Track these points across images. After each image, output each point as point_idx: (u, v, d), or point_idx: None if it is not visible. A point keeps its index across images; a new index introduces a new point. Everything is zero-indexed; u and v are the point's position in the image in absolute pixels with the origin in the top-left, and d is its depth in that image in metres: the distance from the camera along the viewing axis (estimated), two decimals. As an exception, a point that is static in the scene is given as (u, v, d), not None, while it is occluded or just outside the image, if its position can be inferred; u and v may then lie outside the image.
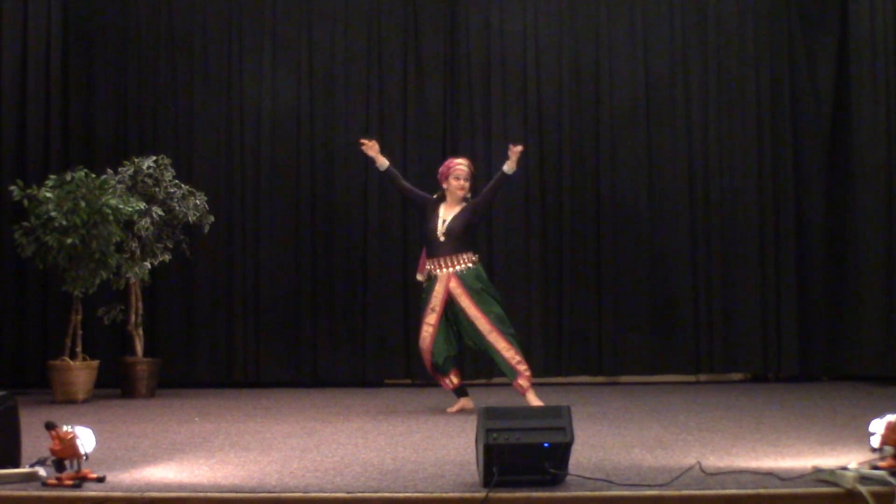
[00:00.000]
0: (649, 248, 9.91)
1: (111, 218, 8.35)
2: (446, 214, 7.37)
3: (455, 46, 10.01)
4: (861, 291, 9.64)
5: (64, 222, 8.22)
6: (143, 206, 8.72)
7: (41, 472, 4.49)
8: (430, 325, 7.32)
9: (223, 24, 10.00)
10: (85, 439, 4.50)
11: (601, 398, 8.42)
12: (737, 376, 9.98)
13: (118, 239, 8.57)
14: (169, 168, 9.12)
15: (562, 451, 4.35)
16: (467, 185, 7.43)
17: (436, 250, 7.32)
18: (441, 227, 7.31)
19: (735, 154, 10.00)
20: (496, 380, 9.76)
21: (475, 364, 9.77)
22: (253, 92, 9.95)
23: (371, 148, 7.55)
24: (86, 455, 4.50)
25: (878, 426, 4.59)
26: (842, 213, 9.87)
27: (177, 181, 9.14)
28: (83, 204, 8.28)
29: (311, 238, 9.87)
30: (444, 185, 7.47)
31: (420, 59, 10.01)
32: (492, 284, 7.55)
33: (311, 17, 10.02)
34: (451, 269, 7.28)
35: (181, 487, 4.50)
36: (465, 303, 7.26)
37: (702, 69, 10.07)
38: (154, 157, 9.10)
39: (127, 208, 8.48)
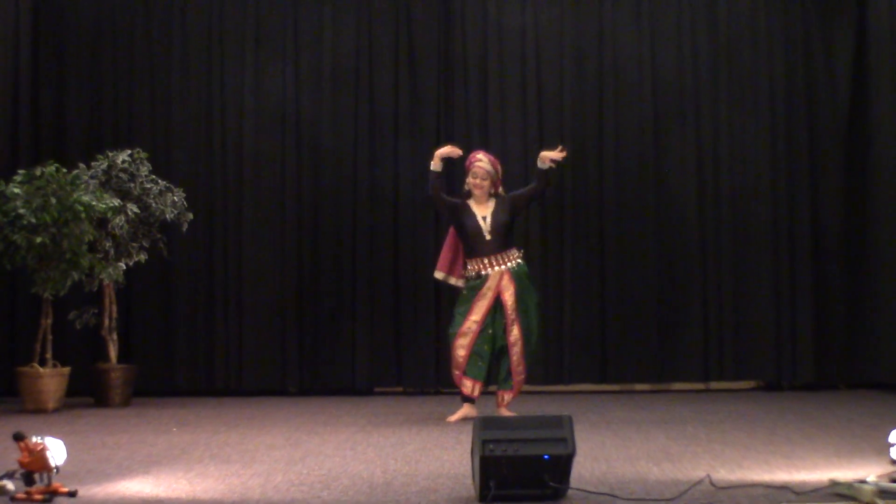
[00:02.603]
0: (656, 249, 9.91)
1: (83, 215, 8.34)
2: (483, 211, 7.54)
3: (449, 36, 10.00)
4: (880, 295, 9.65)
5: (33, 220, 8.21)
6: (117, 202, 8.71)
7: (9, 485, 4.49)
8: (477, 321, 7.44)
9: (203, 10, 9.98)
10: (56, 451, 4.50)
11: (605, 407, 8.43)
12: (749, 384, 9.98)
13: (91, 238, 8.56)
14: (145, 162, 9.11)
15: (563, 464, 4.36)
16: (485, 183, 7.55)
17: (483, 249, 7.48)
18: (485, 225, 7.48)
19: (747, 151, 10.01)
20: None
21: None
22: (235, 82, 9.94)
23: (453, 152, 7.58)
24: (56, 468, 4.50)
25: (898, 437, 4.61)
26: (860, 213, 9.88)
27: (153, 176, 9.12)
28: (53, 200, 8.27)
29: (296, 238, 9.85)
30: (466, 179, 7.66)
31: (412, 50, 10.00)
32: (534, 285, 7.81)
33: (298, 4, 10.02)
34: (503, 267, 7.47)
35: (158, 502, 4.50)
36: (511, 303, 7.43)
37: (712, 60, 10.06)
38: (129, 151, 9.08)
39: (100, 205, 8.47)
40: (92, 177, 8.83)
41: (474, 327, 7.43)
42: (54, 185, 8.35)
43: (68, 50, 9.88)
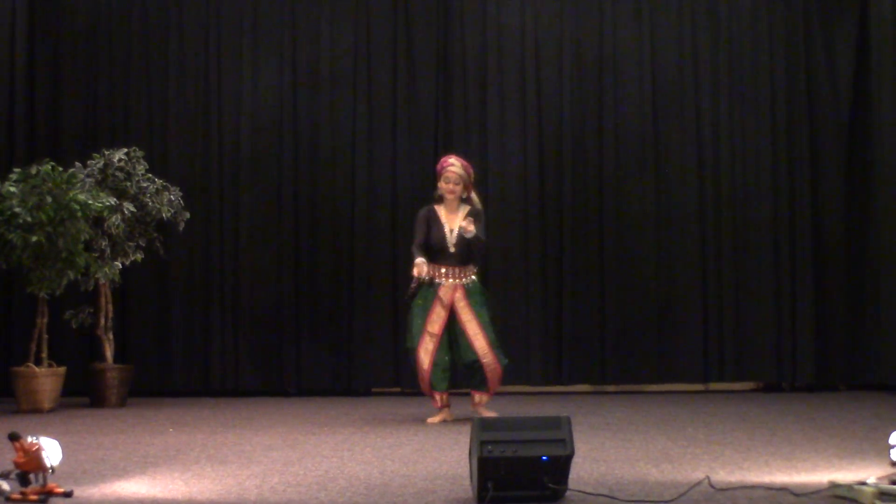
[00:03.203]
0: (656, 249, 9.92)
1: (79, 214, 8.34)
2: (451, 222, 7.54)
3: (448, 35, 10.02)
4: (881, 296, 9.65)
5: (29, 219, 8.21)
6: (113, 201, 8.72)
7: (4, 486, 4.48)
8: (435, 334, 7.45)
9: (200, 8, 10.00)
10: (51, 451, 4.50)
11: (604, 408, 8.43)
12: (749, 385, 9.99)
13: (87, 237, 8.56)
14: (141, 161, 9.12)
15: (561, 465, 4.36)
16: (457, 188, 7.55)
17: (444, 259, 7.50)
18: (451, 238, 7.49)
19: (747, 149, 10.02)
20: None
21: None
22: (232, 81, 9.95)
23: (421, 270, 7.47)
24: (52, 468, 4.50)
25: (898, 438, 4.61)
26: (861, 212, 9.88)
27: (150, 175, 9.13)
28: (49, 199, 8.27)
29: (293, 237, 9.86)
30: (438, 185, 7.61)
31: (411, 51, 10.01)
32: (488, 296, 7.80)
33: (295, 3, 10.02)
34: (458, 281, 7.49)
35: (154, 503, 4.50)
36: (467, 316, 7.44)
37: (712, 58, 10.08)
38: (125, 150, 9.09)
39: (96, 204, 8.48)
40: (88, 175, 8.83)
41: (434, 340, 7.45)
42: (50, 184, 8.35)
43: (64, 48, 9.89)
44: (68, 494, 4.47)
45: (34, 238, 8.21)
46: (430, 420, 7.57)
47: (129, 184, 8.97)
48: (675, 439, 6.44)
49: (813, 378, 9.80)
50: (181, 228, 9.27)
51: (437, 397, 7.60)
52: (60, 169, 8.51)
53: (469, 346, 7.43)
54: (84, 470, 5.28)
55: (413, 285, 7.50)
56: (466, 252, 7.51)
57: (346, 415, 8.08)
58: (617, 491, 4.60)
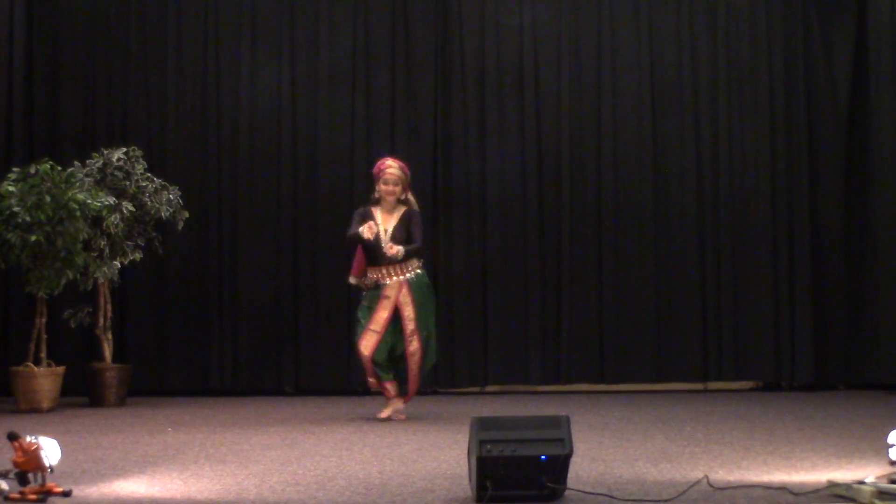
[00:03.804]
0: (654, 248, 9.93)
1: (78, 214, 8.34)
2: (386, 223, 7.58)
3: (447, 35, 10.02)
4: (880, 294, 9.66)
5: (28, 218, 8.21)
6: (112, 201, 8.71)
7: (3, 485, 4.48)
8: (376, 332, 7.50)
9: (198, 8, 9.99)
10: (50, 451, 4.50)
11: (602, 407, 8.43)
12: (747, 384, 10.00)
13: (85, 236, 8.56)
14: (140, 160, 9.11)
15: (560, 464, 4.36)
16: (397, 189, 7.59)
17: (382, 259, 7.51)
18: (385, 237, 7.51)
19: (746, 148, 10.02)
20: (490, 388, 9.79)
21: (469, 373, 9.79)
22: (231, 81, 9.95)
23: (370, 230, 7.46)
24: (51, 468, 4.50)
25: (897, 437, 4.61)
26: (860, 211, 9.89)
27: (148, 175, 9.13)
28: (48, 199, 8.26)
29: (292, 237, 9.86)
30: (376, 187, 7.66)
31: (410, 49, 10.01)
32: (434, 293, 7.86)
33: (294, 3, 10.02)
34: (401, 278, 7.52)
35: (153, 502, 4.50)
36: (409, 314, 7.51)
37: (711, 57, 10.08)
38: (124, 149, 9.09)
39: (95, 203, 8.47)
40: (87, 175, 8.83)
41: (374, 337, 7.50)
42: (49, 184, 8.34)
43: (63, 47, 9.89)
44: (67, 494, 4.46)
45: (33, 237, 8.21)
46: (379, 415, 7.60)
47: (127, 183, 8.97)
48: (673, 439, 6.44)
49: (812, 377, 9.81)
50: (180, 228, 9.27)
51: (388, 386, 7.60)
52: (59, 168, 8.50)
53: (405, 349, 7.50)
54: (83, 469, 5.28)
55: (364, 293, 7.60)
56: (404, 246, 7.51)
57: (345, 414, 8.08)
58: (616, 490, 4.60)
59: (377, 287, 7.54)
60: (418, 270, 7.58)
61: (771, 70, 10.05)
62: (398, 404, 7.65)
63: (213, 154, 9.91)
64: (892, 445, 4.61)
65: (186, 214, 9.24)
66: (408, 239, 7.53)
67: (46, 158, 8.61)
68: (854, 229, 9.92)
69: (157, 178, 9.18)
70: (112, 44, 9.94)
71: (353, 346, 7.81)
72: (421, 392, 9.60)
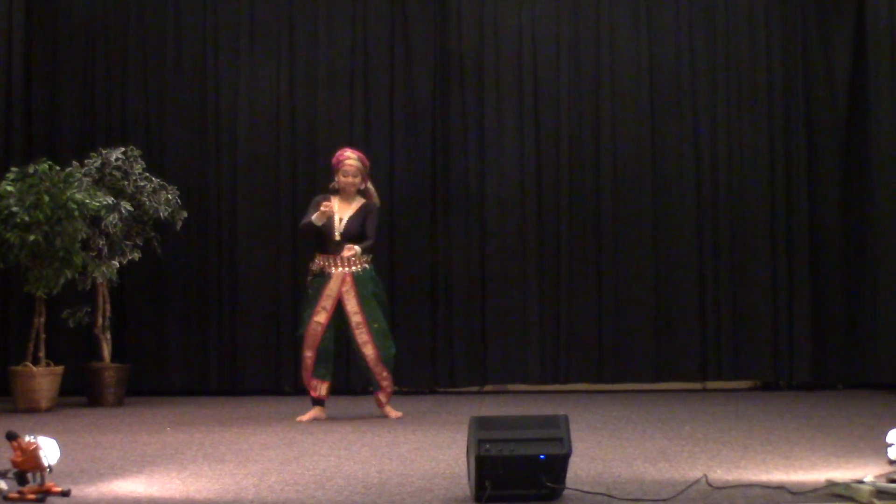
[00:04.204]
0: (653, 247, 9.93)
1: (77, 213, 8.34)
2: (342, 212, 7.62)
3: (446, 34, 10.01)
4: (879, 294, 9.66)
5: (26, 218, 8.20)
6: (110, 200, 8.71)
7: (2, 485, 4.48)
8: (321, 323, 7.52)
9: (197, 8, 9.99)
10: (49, 450, 4.50)
11: (601, 407, 8.43)
12: (746, 384, 9.99)
13: (84, 236, 8.56)
14: (139, 160, 9.11)
15: (559, 464, 4.36)
16: (357, 180, 7.66)
17: (331, 248, 7.56)
18: (339, 226, 7.55)
19: (744, 147, 10.02)
20: (489, 387, 9.79)
21: (468, 372, 9.79)
22: (229, 80, 9.94)
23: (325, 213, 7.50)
24: (49, 467, 4.50)
25: (895, 436, 4.61)
26: (858, 211, 9.89)
27: (147, 174, 9.13)
28: (47, 198, 8.26)
29: (291, 236, 9.84)
30: (335, 178, 7.71)
31: (408, 48, 10.01)
32: (383, 288, 7.88)
33: (292, 3, 10.01)
34: (346, 269, 7.53)
35: (151, 502, 4.50)
36: (353, 307, 7.51)
37: (709, 57, 10.08)
38: (123, 149, 9.09)
39: (93, 203, 8.47)
40: (85, 174, 8.82)
41: (318, 329, 7.52)
42: (47, 183, 8.34)
43: (61, 47, 9.88)
44: (66, 493, 4.46)
45: (31, 237, 8.21)
46: (300, 418, 7.57)
47: (126, 183, 8.97)
48: (672, 438, 6.44)
49: (810, 376, 9.81)
50: (178, 227, 9.27)
51: (316, 384, 7.59)
52: (58, 168, 8.50)
53: (355, 342, 7.53)
54: (82, 469, 5.28)
55: (309, 278, 7.61)
56: (355, 240, 7.54)
57: (344, 414, 8.07)
58: (614, 490, 4.60)
59: (322, 275, 7.55)
60: (366, 265, 7.59)
61: (770, 70, 10.05)
62: (320, 413, 7.62)
63: (212, 153, 9.91)
64: (890, 444, 4.62)
65: (185, 214, 9.24)
66: (362, 233, 7.57)
67: (45, 158, 8.61)
68: (852, 229, 9.92)
69: (156, 177, 9.18)
70: (111, 43, 9.94)
71: (297, 333, 7.81)
72: (419, 391, 9.66)
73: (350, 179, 7.63)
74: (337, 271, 7.52)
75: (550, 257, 9.92)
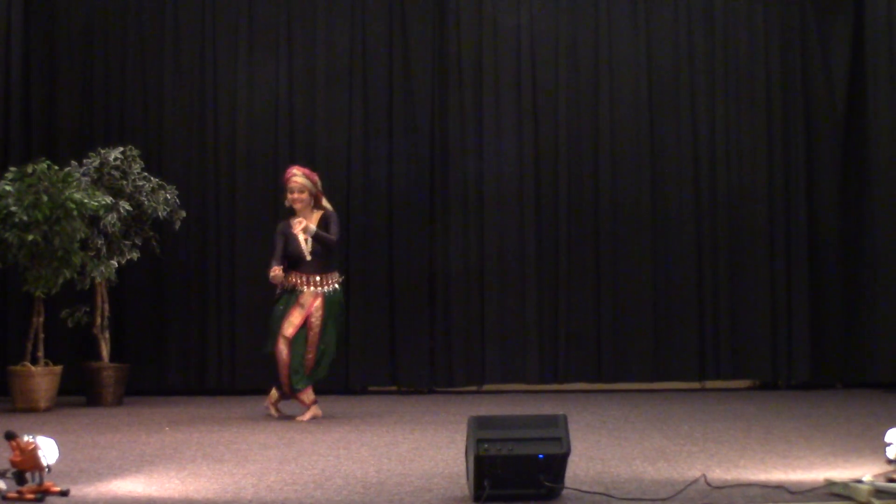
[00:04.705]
0: (652, 248, 9.92)
1: (75, 213, 8.33)
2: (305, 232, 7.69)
3: (444, 35, 10.00)
4: (876, 294, 9.66)
5: (25, 218, 8.20)
6: (109, 200, 8.70)
7: (1, 485, 4.48)
8: (288, 337, 7.61)
9: (195, 8, 9.97)
10: (47, 450, 4.50)
11: (600, 406, 8.44)
12: (745, 383, 9.99)
13: (83, 235, 8.55)
14: (137, 160, 9.11)
15: (558, 463, 4.36)
16: (303, 196, 7.75)
17: (303, 267, 7.68)
18: (307, 247, 7.65)
19: (743, 148, 10.02)
20: (487, 387, 9.78)
21: (466, 372, 9.78)
22: (228, 80, 9.93)
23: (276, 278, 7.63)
24: (48, 467, 4.50)
25: (893, 436, 4.62)
26: (857, 211, 9.89)
27: (146, 174, 9.12)
28: (45, 198, 8.26)
29: (289, 235, 9.84)
30: (286, 196, 7.84)
31: (407, 49, 10.00)
32: (345, 312, 8.14)
33: (291, 3, 10.01)
34: (318, 289, 7.66)
35: (150, 501, 4.50)
36: (316, 322, 7.62)
37: (708, 57, 10.08)
38: (121, 149, 9.08)
39: (92, 203, 8.46)
40: (84, 174, 8.82)
41: (285, 348, 7.61)
42: (46, 183, 8.33)
43: (60, 47, 9.86)
44: (65, 493, 4.47)
45: (30, 237, 8.20)
46: (299, 418, 7.64)
47: (124, 182, 8.96)
48: (671, 437, 6.45)
49: (809, 376, 9.81)
50: (177, 227, 9.26)
51: (303, 397, 7.71)
52: (56, 168, 8.49)
53: (300, 346, 7.58)
54: (80, 469, 5.28)
55: (278, 291, 7.74)
56: (325, 257, 7.67)
57: (343, 413, 8.07)
58: (613, 489, 4.61)
59: (293, 292, 7.65)
60: (336, 286, 7.72)
61: (768, 70, 10.05)
62: (317, 411, 7.73)
63: (211, 153, 9.89)
64: (889, 444, 4.62)
65: (183, 214, 9.24)
66: (328, 250, 7.68)
67: (43, 158, 8.60)
68: (851, 229, 9.92)
69: (154, 177, 9.17)
70: (109, 43, 9.92)
71: (266, 350, 7.84)
72: (418, 391, 9.66)
73: (295, 196, 7.74)
74: (309, 290, 7.64)
75: (549, 257, 9.91)
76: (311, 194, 7.76)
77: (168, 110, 9.89)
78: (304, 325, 7.61)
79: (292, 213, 7.84)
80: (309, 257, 7.63)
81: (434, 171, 9.87)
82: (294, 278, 7.66)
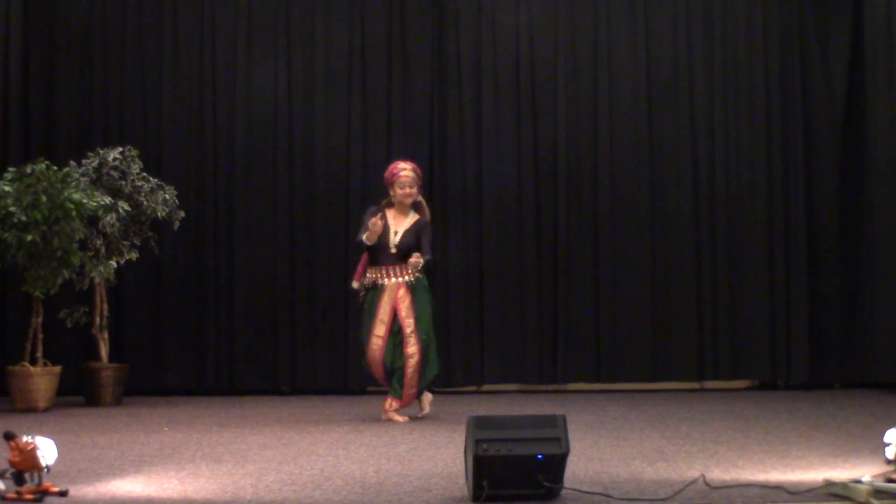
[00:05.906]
0: (650, 247, 9.93)
1: (74, 213, 8.33)
2: (398, 225, 7.60)
3: (443, 35, 10.00)
4: (876, 294, 9.66)
5: (24, 218, 8.20)
6: (108, 200, 8.70)
7: (0, 485, 4.48)
8: (380, 336, 7.49)
9: (195, 8, 9.97)
10: (46, 450, 4.49)
11: (599, 406, 8.44)
12: (743, 383, 10.00)
13: (82, 236, 8.55)
14: (136, 160, 9.10)
15: (557, 464, 4.36)
16: (413, 191, 7.63)
17: (385, 260, 7.53)
18: (394, 239, 7.53)
19: (742, 147, 10.03)
20: (486, 387, 9.79)
21: (465, 372, 9.79)
22: (226, 80, 9.93)
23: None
24: (47, 467, 4.49)
25: (893, 436, 4.62)
26: (856, 210, 9.90)
27: (145, 174, 9.12)
28: (44, 198, 8.25)
29: (289, 236, 9.85)
30: (391, 192, 7.65)
31: (406, 49, 10.00)
32: (432, 299, 7.77)
33: (290, 3, 10.00)
34: (400, 279, 7.51)
35: (149, 502, 4.50)
36: (406, 315, 7.45)
37: (707, 56, 10.08)
38: (120, 149, 9.07)
39: (91, 203, 8.46)
40: (83, 174, 8.82)
41: (380, 343, 7.49)
42: (45, 183, 8.33)
43: (59, 47, 9.86)
44: (64, 493, 4.46)
45: (29, 237, 8.20)
46: (397, 418, 7.52)
47: (123, 183, 8.96)
48: (670, 437, 6.45)
49: (807, 376, 9.81)
50: (176, 227, 9.25)
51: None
52: (55, 168, 8.49)
53: (401, 350, 7.45)
54: (79, 469, 5.28)
55: (361, 294, 7.60)
56: (409, 253, 7.51)
57: (341, 413, 8.08)
58: (612, 489, 4.61)
59: (375, 287, 7.52)
60: (418, 275, 7.54)
61: (767, 69, 10.05)
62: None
63: (210, 154, 9.89)
64: (887, 444, 4.62)
65: (182, 214, 9.23)
66: (416, 247, 7.51)
67: (42, 158, 8.59)
68: (850, 228, 9.93)
69: (154, 177, 9.17)
70: (108, 43, 9.92)
71: (362, 357, 7.74)
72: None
73: (407, 191, 7.57)
74: (391, 282, 7.50)
75: (548, 257, 9.91)
76: (418, 188, 7.66)
77: (167, 111, 9.89)
78: (395, 319, 7.46)
79: (385, 205, 7.63)
80: (394, 250, 7.49)
81: (433, 171, 9.87)
82: (374, 273, 7.53)
